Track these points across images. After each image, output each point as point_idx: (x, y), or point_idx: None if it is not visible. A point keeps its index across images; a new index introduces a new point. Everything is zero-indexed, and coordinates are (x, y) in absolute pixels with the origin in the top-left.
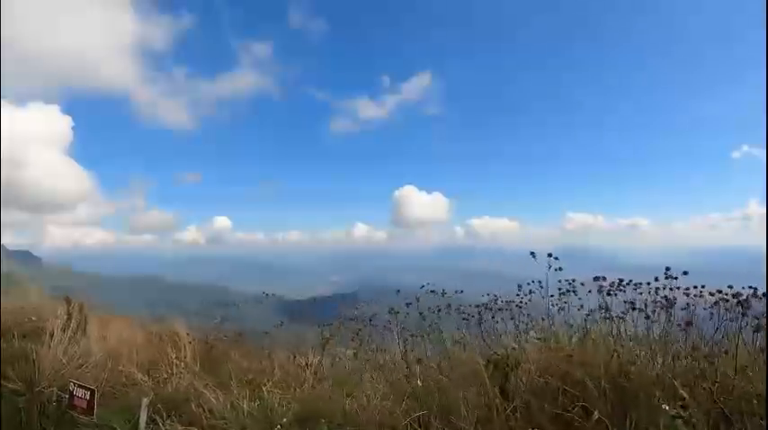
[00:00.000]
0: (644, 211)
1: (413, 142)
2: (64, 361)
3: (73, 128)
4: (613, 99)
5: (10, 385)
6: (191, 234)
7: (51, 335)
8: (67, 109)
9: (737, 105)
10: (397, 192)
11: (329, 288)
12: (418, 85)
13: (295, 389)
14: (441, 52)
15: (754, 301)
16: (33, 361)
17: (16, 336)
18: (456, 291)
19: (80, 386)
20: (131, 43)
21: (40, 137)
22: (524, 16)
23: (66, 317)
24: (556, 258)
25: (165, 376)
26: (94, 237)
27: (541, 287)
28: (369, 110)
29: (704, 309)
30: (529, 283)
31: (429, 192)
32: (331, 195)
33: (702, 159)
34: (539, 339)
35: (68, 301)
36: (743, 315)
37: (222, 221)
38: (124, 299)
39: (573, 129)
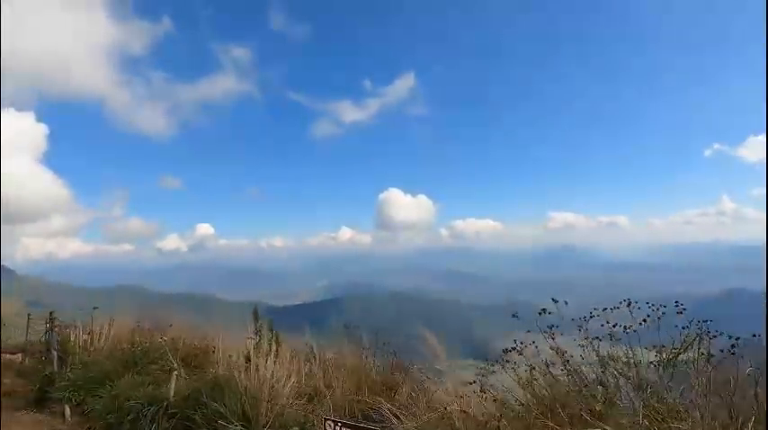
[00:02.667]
0: (623, 209)
1: (396, 145)
2: (278, 389)
3: (47, 136)
4: (591, 100)
5: (230, 427)
6: (172, 242)
7: (248, 359)
8: (41, 114)
9: (707, 106)
10: (381, 196)
11: (316, 293)
12: (401, 87)
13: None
14: (423, 54)
15: None
16: (243, 392)
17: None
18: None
19: (345, 424)
20: (107, 48)
21: (12, 144)
22: (507, 18)
23: (256, 337)
24: None
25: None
26: (71, 248)
27: None
28: (351, 113)
29: None
30: None
31: (414, 194)
32: (315, 200)
33: (676, 158)
34: None
35: (256, 317)
36: None
37: (205, 228)
38: (105, 310)
39: (554, 130)
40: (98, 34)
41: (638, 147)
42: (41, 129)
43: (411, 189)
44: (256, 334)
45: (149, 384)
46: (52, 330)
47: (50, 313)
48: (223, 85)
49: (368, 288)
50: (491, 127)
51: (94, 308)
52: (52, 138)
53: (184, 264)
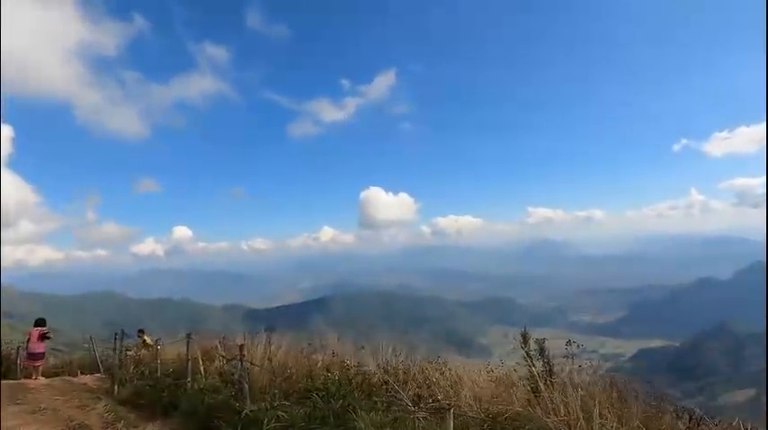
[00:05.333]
0: (599, 203)
1: (377, 143)
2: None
3: (13, 138)
4: (566, 98)
5: None
6: (148, 246)
7: (534, 390)
8: (6, 115)
9: (676, 102)
10: (362, 194)
11: (298, 295)
12: (381, 85)
13: None
14: (403, 52)
15: None
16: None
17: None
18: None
19: None
20: (77, 48)
21: None
22: (486, 16)
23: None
24: None
25: None
26: (41, 255)
27: None
28: (331, 112)
29: None
30: None
31: (395, 192)
32: (295, 200)
33: (647, 152)
34: None
35: (525, 339)
36: None
37: (182, 231)
38: (79, 319)
39: (531, 127)
40: (67, 34)
41: (611, 142)
42: (7, 131)
43: (392, 187)
44: (528, 356)
45: (394, 423)
46: (242, 360)
47: (222, 338)
48: (199, 85)
49: (352, 288)
50: (470, 124)
51: (268, 329)
52: (18, 140)
53: (161, 269)
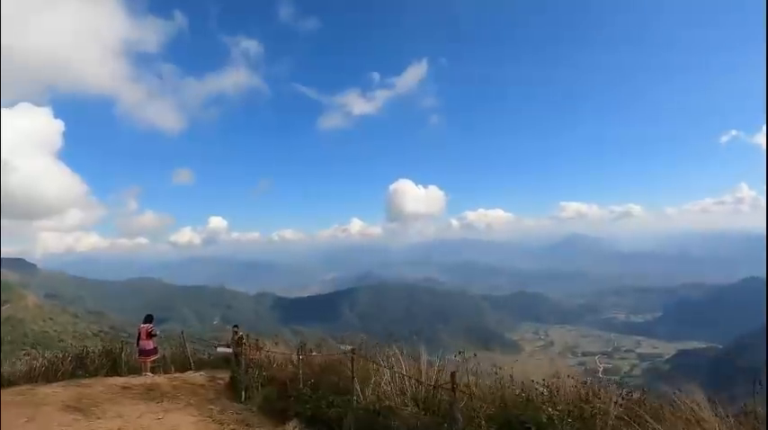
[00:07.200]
0: (637, 198)
1: (407, 136)
2: None
3: (63, 132)
4: (604, 88)
5: None
6: (186, 235)
7: None
8: (57, 110)
9: (723, 91)
10: (392, 187)
11: (327, 285)
12: (412, 77)
13: None
14: (434, 45)
15: None
16: None
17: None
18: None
19: None
20: (121, 44)
21: (30, 140)
22: (520, 7)
23: None
24: None
25: None
26: (88, 242)
27: None
28: (361, 105)
29: None
30: None
31: (425, 185)
32: (325, 192)
33: (692, 145)
34: None
35: None
36: None
37: (217, 221)
38: (123, 304)
39: (566, 119)
40: (113, 30)
41: (651, 135)
42: (58, 126)
43: (422, 180)
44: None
45: None
46: (454, 389)
47: (374, 351)
48: (233, 79)
49: (378, 280)
50: (502, 117)
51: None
52: (68, 133)
53: (198, 257)
